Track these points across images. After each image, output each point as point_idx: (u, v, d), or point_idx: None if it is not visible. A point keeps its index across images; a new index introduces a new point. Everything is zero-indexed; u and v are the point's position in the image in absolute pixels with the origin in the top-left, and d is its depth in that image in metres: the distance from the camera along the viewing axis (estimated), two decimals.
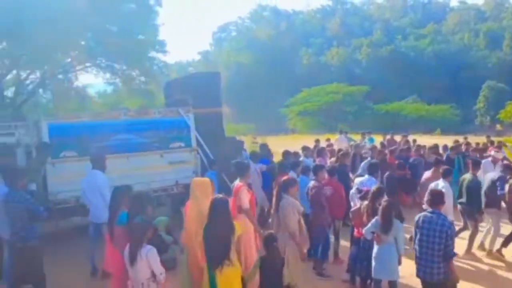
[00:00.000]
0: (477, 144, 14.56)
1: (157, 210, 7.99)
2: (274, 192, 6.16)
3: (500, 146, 13.16)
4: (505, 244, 7.99)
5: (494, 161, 10.15)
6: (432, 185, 7.38)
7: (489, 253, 8.08)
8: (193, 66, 78.53)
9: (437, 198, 5.48)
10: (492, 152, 10.96)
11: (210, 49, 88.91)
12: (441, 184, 7.39)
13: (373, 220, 5.86)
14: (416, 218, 5.48)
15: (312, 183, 7.44)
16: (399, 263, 5.90)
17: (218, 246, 4.65)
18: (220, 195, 5.09)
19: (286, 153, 9.81)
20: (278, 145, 16.24)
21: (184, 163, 9.86)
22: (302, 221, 5.93)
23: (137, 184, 6.94)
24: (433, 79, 56.31)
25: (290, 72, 64.49)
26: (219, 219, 4.73)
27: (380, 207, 5.84)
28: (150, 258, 4.44)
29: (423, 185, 8.57)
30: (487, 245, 8.22)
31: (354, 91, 51.66)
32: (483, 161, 10.11)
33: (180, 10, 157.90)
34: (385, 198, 6.13)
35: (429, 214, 5.33)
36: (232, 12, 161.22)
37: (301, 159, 10.32)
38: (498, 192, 7.89)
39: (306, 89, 52.92)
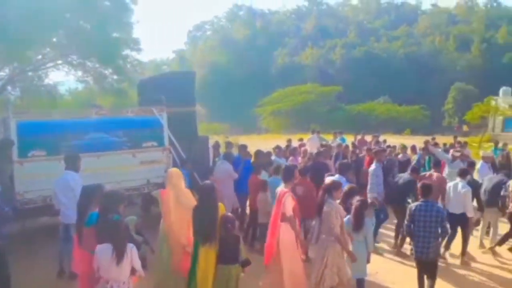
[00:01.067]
0: (444, 144, 14.98)
1: (127, 209, 7.93)
2: (319, 195, 6.04)
3: (464, 146, 13.85)
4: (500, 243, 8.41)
5: (454, 159, 10.85)
6: (450, 185, 8.17)
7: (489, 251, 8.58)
8: (168, 64, 78.14)
9: (427, 190, 6.24)
10: (451, 151, 11.92)
11: (185, 48, 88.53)
12: (460, 183, 8.00)
13: (345, 219, 5.97)
14: (413, 207, 6.17)
15: None
16: (368, 261, 6.09)
17: (207, 224, 5.25)
18: (208, 181, 5.85)
19: (258, 153, 9.82)
20: (251, 145, 16.29)
21: (156, 162, 9.78)
22: (344, 225, 5.92)
23: (107, 184, 6.86)
24: (404, 80, 57.58)
25: (265, 72, 64.82)
26: (207, 202, 5.34)
27: (353, 207, 6.01)
28: (133, 254, 4.50)
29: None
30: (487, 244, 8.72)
31: (327, 92, 52.19)
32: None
33: (155, 8, 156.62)
34: (357, 197, 6.27)
35: (423, 203, 6.11)
36: (208, 11, 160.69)
37: (272, 158, 10.38)
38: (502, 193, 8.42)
39: (280, 89, 53.16)
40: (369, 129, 29.13)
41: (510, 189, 8.16)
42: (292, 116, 49.59)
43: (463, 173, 8.25)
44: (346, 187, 6.61)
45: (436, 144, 14.25)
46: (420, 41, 69.05)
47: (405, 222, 6.37)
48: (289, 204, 5.94)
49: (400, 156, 12.80)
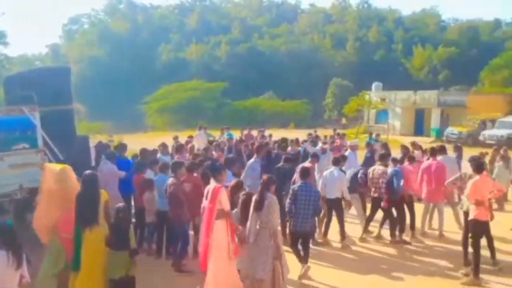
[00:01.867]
0: (325, 136, 15.91)
1: None
2: (259, 190, 6.05)
3: (342, 137, 14.90)
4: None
5: (323, 151, 11.59)
6: (327, 172, 8.71)
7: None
8: (41, 60, 72.71)
9: (305, 173, 7.24)
10: (320, 145, 12.82)
11: (60, 42, 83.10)
12: (336, 171, 8.58)
13: (233, 212, 6.04)
14: (296, 188, 7.06)
15: (170, 180, 7.34)
16: None
17: (90, 210, 5.54)
18: (90, 171, 5.98)
19: (143, 152, 9.54)
20: (137, 143, 15.80)
21: (29, 165, 8.97)
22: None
23: None
24: (287, 76, 60.08)
25: (149, 67, 63.21)
26: (89, 189, 5.66)
27: (240, 200, 6.12)
28: (24, 260, 4.39)
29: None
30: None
31: (213, 88, 52.39)
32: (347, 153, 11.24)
33: None
34: (244, 191, 6.45)
35: (303, 184, 7.04)
36: (84, 3, 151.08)
37: (158, 156, 10.13)
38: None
39: (165, 85, 52.20)
40: (255, 124, 29.89)
41: (370, 176, 8.86)
42: (179, 113, 48.92)
43: (336, 162, 8.88)
44: (233, 181, 6.68)
45: (317, 137, 15.11)
46: (300, 39, 72.33)
47: (288, 200, 7.08)
48: (225, 199, 5.93)
49: (289, 149, 13.27)
